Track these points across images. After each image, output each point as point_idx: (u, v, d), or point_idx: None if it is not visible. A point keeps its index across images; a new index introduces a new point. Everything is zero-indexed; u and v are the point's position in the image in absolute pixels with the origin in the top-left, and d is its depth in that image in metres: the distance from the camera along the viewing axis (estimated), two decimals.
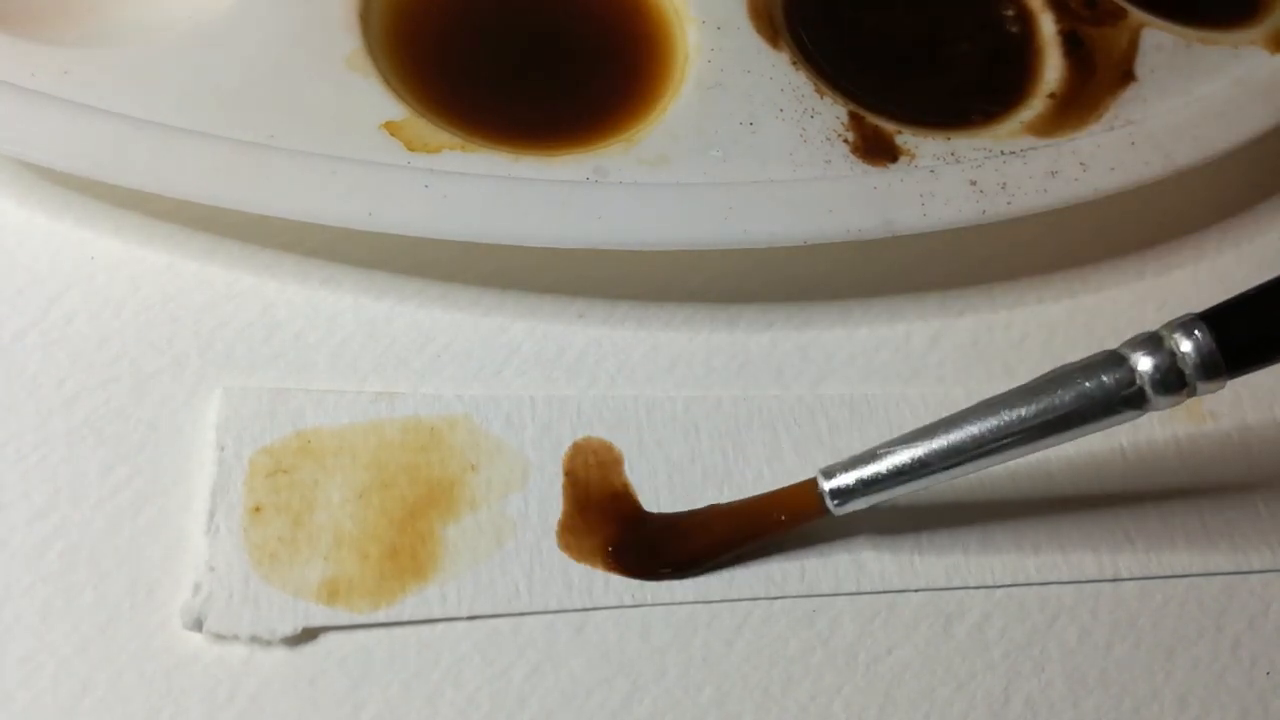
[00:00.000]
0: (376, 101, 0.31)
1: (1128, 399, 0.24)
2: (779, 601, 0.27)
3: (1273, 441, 0.32)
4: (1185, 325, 0.24)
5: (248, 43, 0.31)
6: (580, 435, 0.29)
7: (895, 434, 0.26)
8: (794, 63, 0.34)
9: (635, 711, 0.26)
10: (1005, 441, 0.25)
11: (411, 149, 0.30)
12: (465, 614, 0.26)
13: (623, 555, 0.27)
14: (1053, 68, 0.36)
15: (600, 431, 0.29)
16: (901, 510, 0.29)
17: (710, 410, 0.30)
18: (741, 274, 0.33)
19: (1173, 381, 0.24)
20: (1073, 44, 0.37)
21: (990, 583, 0.28)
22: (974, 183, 0.32)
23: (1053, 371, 0.25)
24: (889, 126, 0.33)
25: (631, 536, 0.27)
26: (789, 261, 0.33)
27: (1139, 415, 0.24)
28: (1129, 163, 0.33)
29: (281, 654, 0.25)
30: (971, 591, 0.28)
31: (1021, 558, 0.29)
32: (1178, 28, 0.37)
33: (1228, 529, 0.30)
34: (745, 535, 0.27)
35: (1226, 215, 0.36)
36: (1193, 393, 0.24)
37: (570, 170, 0.31)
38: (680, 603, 0.27)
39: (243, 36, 0.31)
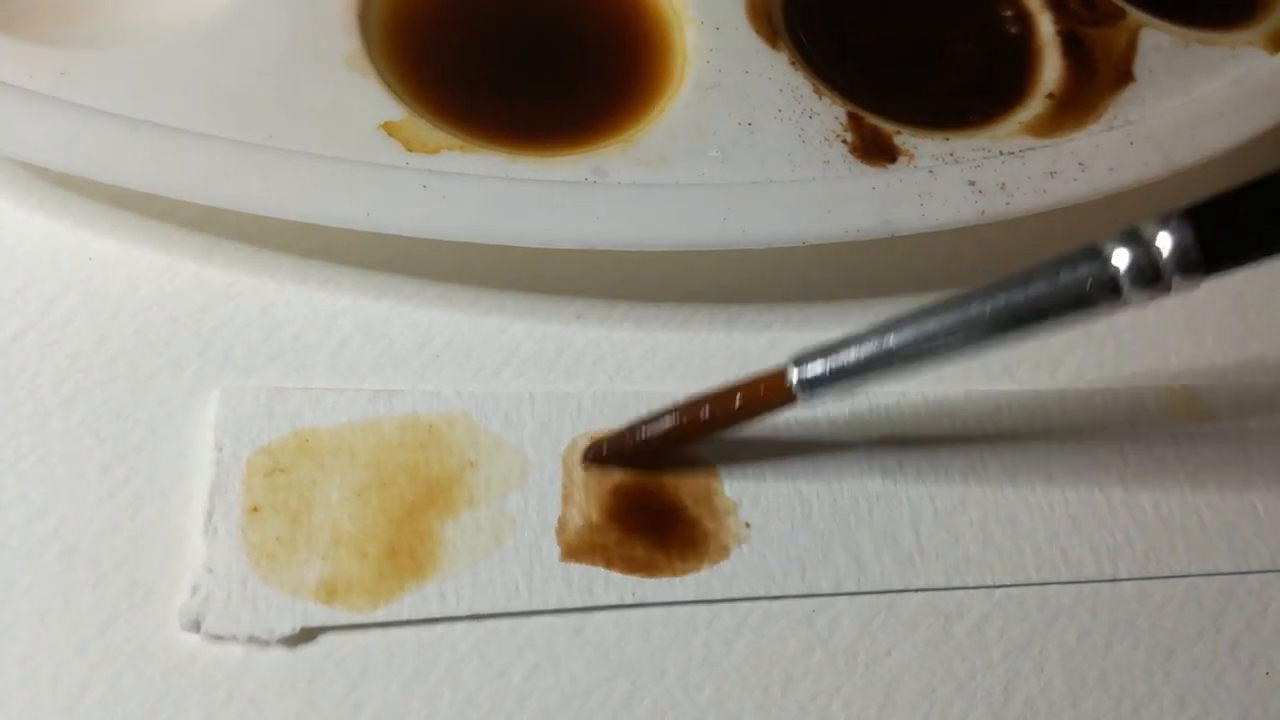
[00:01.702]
0: (375, 102, 0.31)
1: (1102, 290, 0.23)
2: (779, 601, 0.27)
3: (1271, 442, 0.32)
4: (1164, 218, 0.23)
5: (246, 43, 0.31)
6: (580, 432, 0.29)
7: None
8: (793, 63, 0.34)
9: (635, 711, 0.26)
10: (977, 331, 0.24)
11: (410, 149, 0.30)
12: (464, 613, 0.26)
13: (593, 456, 0.28)
14: (1051, 68, 0.36)
15: (600, 428, 0.29)
16: (901, 510, 0.29)
17: None
18: (740, 274, 0.33)
19: (1149, 275, 0.23)
20: (1071, 44, 0.37)
21: (990, 583, 0.28)
22: (973, 183, 0.32)
23: (1030, 265, 0.25)
24: (888, 127, 0.33)
25: (604, 452, 0.28)
26: (788, 262, 0.33)
27: (1115, 309, 0.24)
28: (1128, 163, 0.33)
29: (280, 654, 0.25)
30: (971, 592, 0.28)
31: (1021, 558, 0.29)
32: (1176, 28, 0.37)
33: (1226, 529, 0.30)
34: (704, 421, 0.27)
35: None
36: (1169, 288, 0.23)
37: (569, 171, 0.31)
38: (680, 603, 0.27)
39: (241, 37, 0.31)
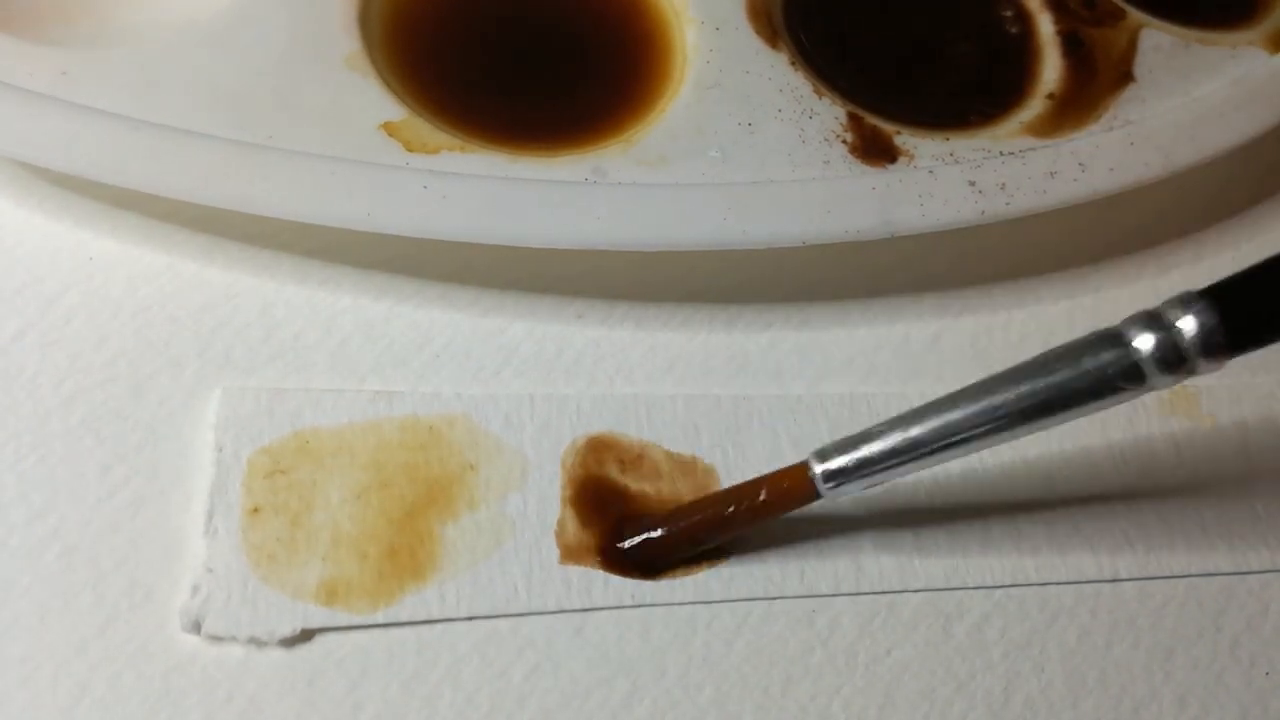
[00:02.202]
0: (375, 102, 0.31)
1: (1127, 377, 0.23)
2: (778, 602, 0.27)
3: (1271, 442, 0.32)
4: (1186, 302, 0.23)
5: (246, 43, 0.31)
6: (580, 434, 0.29)
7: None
8: (793, 63, 0.34)
9: (635, 712, 0.26)
10: (1002, 421, 0.24)
11: (410, 149, 0.30)
12: (464, 614, 0.26)
13: (612, 553, 0.27)
14: (1051, 68, 0.36)
15: (600, 430, 0.29)
16: (901, 511, 0.29)
17: (710, 409, 0.30)
18: (740, 274, 0.33)
19: (1173, 359, 0.23)
20: (1072, 44, 0.37)
21: (990, 583, 0.28)
22: (973, 183, 0.32)
23: (1050, 350, 0.24)
24: (888, 127, 0.33)
25: (623, 533, 0.27)
26: (788, 262, 0.33)
27: (1139, 394, 0.24)
28: (1128, 163, 0.33)
29: (280, 655, 0.25)
30: (971, 592, 0.28)
31: (1021, 558, 0.29)
32: (1177, 28, 0.37)
33: (1226, 529, 0.30)
34: (728, 520, 0.27)
35: (1226, 216, 0.37)
36: (1193, 371, 0.23)
37: (569, 171, 0.31)
38: (680, 603, 0.27)
39: (241, 37, 0.31)
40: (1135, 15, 0.38)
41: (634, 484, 0.28)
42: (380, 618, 0.25)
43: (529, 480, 0.28)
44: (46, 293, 0.29)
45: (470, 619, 0.26)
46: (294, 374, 0.29)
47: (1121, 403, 0.24)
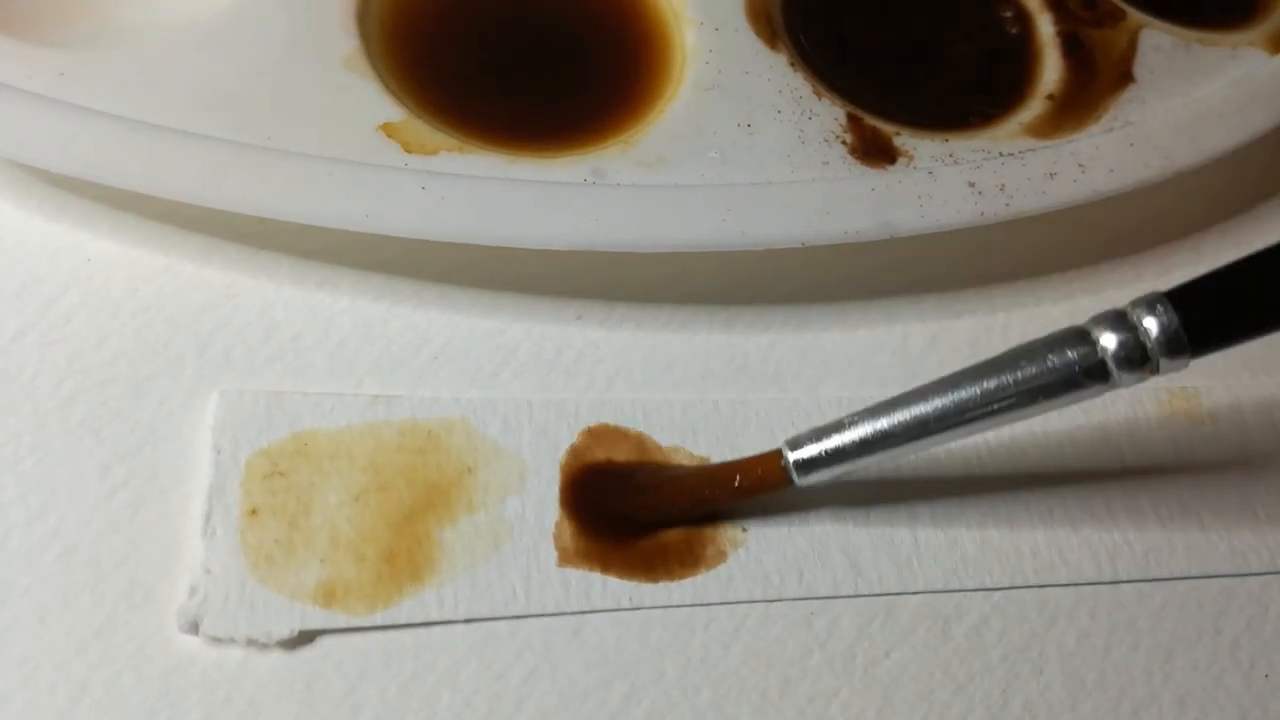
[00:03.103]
0: (374, 103, 0.31)
1: (1091, 374, 0.24)
2: (777, 604, 0.27)
3: (1271, 444, 0.32)
4: (1150, 303, 0.24)
5: (245, 44, 0.31)
6: (578, 439, 0.29)
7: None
8: (792, 64, 0.34)
9: (633, 714, 0.26)
10: (970, 414, 0.25)
11: (409, 150, 0.30)
12: (462, 616, 0.26)
13: (582, 507, 0.27)
14: (1051, 69, 0.36)
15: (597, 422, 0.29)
16: (899, 513, 0.29)
17: (708, 413, 0.30)
18: (739, 276, 0.32)
19: (1136, 358, 0.24)
20: (1072, 45, 0.37)
21: (989, 585, 0.28)
22: (972, 184, 0.32)
23: (1019, 346, 0.25)
24: (887, 128, 0.33)
25: (594, 487, 0.28)
26: (787, 263, 0.33)
27: (1103, 391, 0.24)
28: (1128, 164, 0.33)
29: (278, 657, 0.25)
30: (970, 594, 0.28)
31: (1020, 560, 0.29)
32: (1177, 29, 0.37)
33: (1226, 531, 0.30)
34: (704, 500, 0.27)
35: (1225, 217, 0.36)
36: (1155, 370, 0.24)
37: (568, 172, 0.31)
38: (678, 605, 0.27)
39: (240, 38, 0.31)
40: (1135, 16, 0.37)
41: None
42: (378, 620, 0.25)
43: (527, 484, 0.28)
44: (46, 293, 0.29)
45: (468, 621, 0.26)
46: (293, 374, 0.29)
47: (1087, 399, 0.24)
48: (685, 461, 0.29)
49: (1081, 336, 0.24)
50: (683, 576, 0.27)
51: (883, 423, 0.25)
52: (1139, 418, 0.32)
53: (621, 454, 0.29)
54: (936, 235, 0.32)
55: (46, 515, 0.26)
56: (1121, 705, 0.27)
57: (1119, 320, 0.24)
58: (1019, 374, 0.24)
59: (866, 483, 0.29)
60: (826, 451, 0.26)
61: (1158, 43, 0.37)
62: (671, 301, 0.32)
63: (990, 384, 0.25)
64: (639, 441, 0.29)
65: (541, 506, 0.27)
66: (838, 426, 0.26)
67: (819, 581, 0.28)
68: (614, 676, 0.26)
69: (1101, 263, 0.35)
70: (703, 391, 0.30)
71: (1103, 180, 0.33)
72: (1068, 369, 0.24)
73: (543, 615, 0.26)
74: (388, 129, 0.30)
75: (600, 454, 0.28)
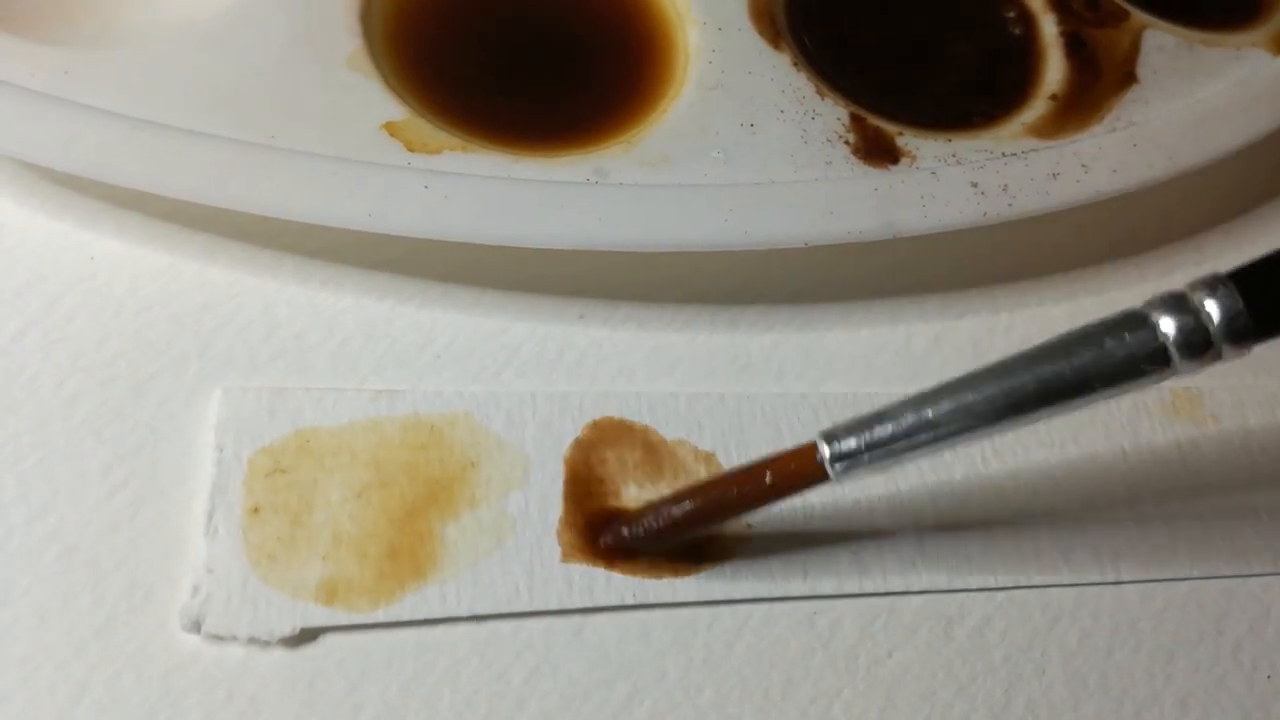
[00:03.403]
0: (377, 102, 0.31)
1: (1152, 360, 0.22)
2: (780, 603, 0.27)
3: (1274, 445, 0.32)
4: (1210, 285, 0.22)
5: (248, 43, 0.31)
6: (582, 432, 0.29)
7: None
8: (795, 64, 0.34)
9: (635, 713, 0.26)
10: (1022, 403, 0.23)
11: (412, 150, 0.30)
12: (465, 613, 0.26)
13: (614, 540, 0.27)
14: (1055, 69, 0.36)
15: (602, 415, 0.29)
16: (903, 513, 0.29)
17: (713, 406, 0.30)
18: (742, 276, 0.32)
19: (1198, 344, 0.22)
20: (1075, 45, 0.37)
21: (991, 585, 0.28)
22: (975, 184, 0.32)
23: (1071, 331, 0.23)
24: (890, 128, 0.33)
25: (626, 519, 0.27)
26: (790, 263, 0.33)
27: (1163, 379, 0.22)
28: (1131, 164, 0.33)
29: (280, 655, 0.25)
30: (973, 594, 0.28)
31: (1023, 561, 0.29)
32: (1180, 29, 0.37)
33: (1229, 532, 0.30)
34: (732, 503, 0.26)
35: (1229, 217, 0.36)
36: (1218, 356, 0.22)
37: (571, 171, 0.30)
38: (681, 604, 0.27)
39: (243, 37, 0.31)
40: (1139, 16, 0.37)
41: (635, 481, 0.28)
42: (381, 617, 0.25)
43: (531, 479, 0.28)
44: (48, 292, 0.29)
45: (471, 618, 0.26)
46: (295, 374, 0.29)
47: (1144, 388, 0.23)
48: (689, 457, 0.29)
49: (1139, 321, 0.22)
50: (687, 573, 0.27)
51: (928, 413, 0.23)
52: (1142, 418, 0.32)
53: (626, 448, 0.28)
54: (939, 235, 0.32)
55: (47, 515, 0.26)
56: (1124, 706, 0.27)
57: (1179, 303, 0.22)
58: (1074, 360, 0.22)
59: (870, 481, 0.29)
60: (867, 443, 0.24)
61: (1161, 43, 0.37)
62: (674, 301, 0.32)
63: (1045, 371, 0.23)
64: (644, 435, 0.29)
65: (545, 501, 0.27)
66: (879, 418, 0.24)
67: (823, 580, 0.28)
68: (616, 676, 0.26)
69: (1105, 263, 0.35)
70: (707, 390, 0.30)
71: (1106, 181, 0.33)
72: (1127, 355, 0.22)
73: (546, 612, 0.26)
74: (391, 128, 0.30)
75: (605, 448, 0.28)
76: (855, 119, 0.33)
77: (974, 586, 0.28)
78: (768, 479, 0.25)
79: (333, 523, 0.26)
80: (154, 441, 0.27)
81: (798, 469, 0.25)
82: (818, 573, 0.28)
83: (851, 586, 0.28)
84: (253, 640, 0.25)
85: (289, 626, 0.25)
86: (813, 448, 0.25)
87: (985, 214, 0.32)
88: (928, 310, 0.33)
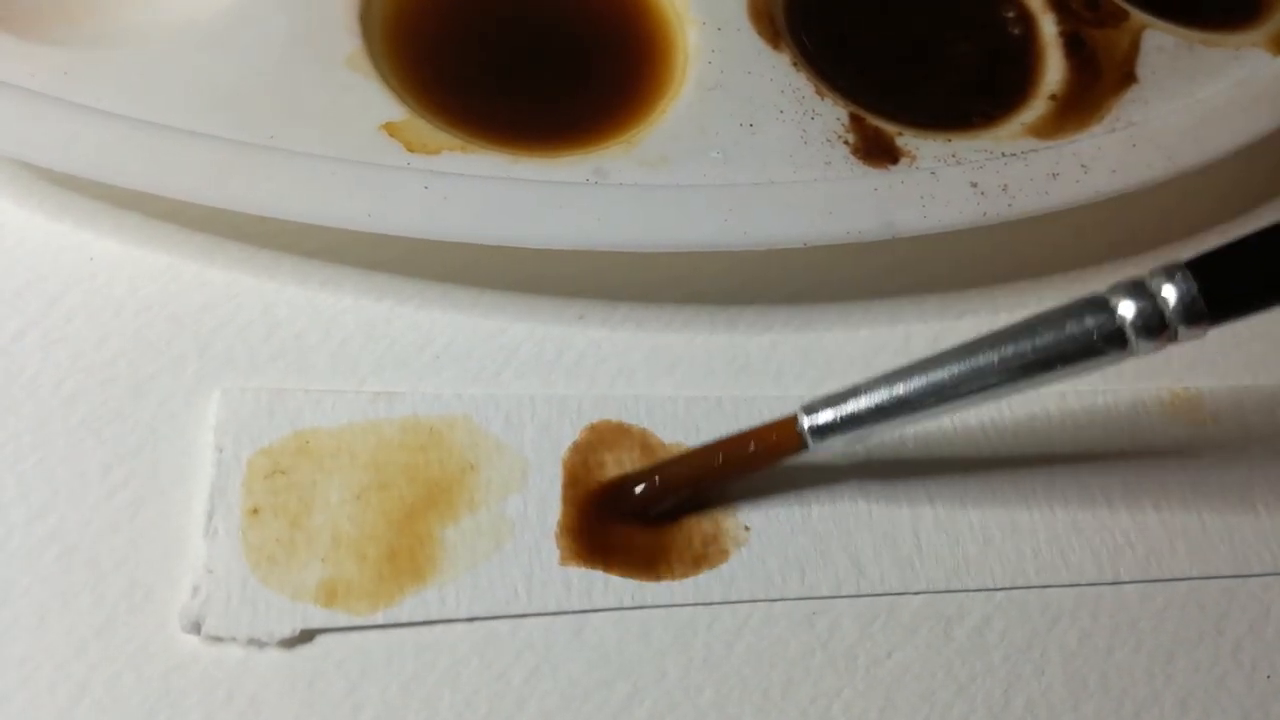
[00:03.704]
0: (376, 102, 0.31)
1: (1109, 341, 0.24)
2: (779, 604, 0.27)
3: (1273, 444, 0.32)
4: (1168, 271, 0.24)
5: (247, 43, 0.31)
6: (581, 435, 0.29)
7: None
8: (795, 64, 0.34)
9: (634, 714, 0.26)
10: (987, 380, 0.25)
11: (411, 150, 0.30)
12: (464, 615, 0.26)
13: (603, 508, 0.27)
14: (1054, 69, 0.36)
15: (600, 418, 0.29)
16: (902, 512, 0.29)
17: (711, 410, 0.30)
18: (741, 276, 0.32)
19: (1154, 325, 0.24)
20: (1074, 45, 0.36)
21: (990, 585, 0.28)
22: (975, 184, 0.32)
23: (1036, 314, 0.25)
24: (889, 128, 0.33)
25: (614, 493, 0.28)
26: (789, 263, 0.33)
27: (1121, 359, 0.24)
28: (1130, 165, 0.33)
29: (279, 656, 0.25)
30: (972, 594, 0.28)
31: (1022, 560, 0.29)
32: (1180, 29, 0.37)
33: (1228, 532, 0.30)
34: (716, 470, 0.27)
35: (1228, 217, 0.36)
36: (1173, 338, 0.24)
37: (570, 171, 0.30)
38: (680, 605, 0.27)
39: (242, 37, 0.31)
40: (1138, 16, 0.37)
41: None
42: (380, 619, 0.25)
43: (529, 481, 0.28)
44: (48, 292, 0.29)
45: (470, 620, 0.26)
46: (295, 374, 0.29)
47: (1105, 366, 0.24)
48: None
49: (1100, 304, 0.24)
50: (685, 575, 0.27)
51: (899, 389, 0.25)
52: (1141, 418, 0.32)
53: (624, 450, 0.28)
54: (939, 235, 0.32)
55: (47, 515, 0.26)
56: (1123, 706, 0.27)
57: (1137, 288, 0.24)
58: (1037, 341, 0.24)
59: (868, 481, 0.29)
60: (842, 417, 0.26)
61: (1160, 43, 0.37)
62: (674, 301, 0.32)
63: (1008, 350, 0.25)
64: (642, 438, 0.29)
65: (544, 504, 0.27)
66: (854, 392, 0.26)
67: (821, 580, 0.28)
68: (616, 676, 0.26)
69: (1104, 263, 0.35)
70: (706, 390, 0.30)
71: (1105, 181, 0.33)
72: (1085, 336, 0.24)
73: (545, 614, 0.26)
74: (390, 128, 0.30)
75: (603, 451, 0.28)
76: (855, 119, 0.33)
77: (973, 586, 0.28)
78: (751, 447, 0.27)
79: (332, 524, 0.26)
80: (153, 442, 0.27)
81: (779, 440, 0.27)
82: (816, 573, 0.28)
83: (850, 587, 0.28)
84: (252, 641, 0.25)
85: (288, 628, 0.25)
86: (793, 420, 0.26)
87: (985, 214, 0.32)
88: (927, 310, 0.33)
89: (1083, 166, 0.33)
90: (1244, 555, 0.30)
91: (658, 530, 0.28)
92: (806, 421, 0.26)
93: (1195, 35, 0.37)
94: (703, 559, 0.27)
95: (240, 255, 0.30)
